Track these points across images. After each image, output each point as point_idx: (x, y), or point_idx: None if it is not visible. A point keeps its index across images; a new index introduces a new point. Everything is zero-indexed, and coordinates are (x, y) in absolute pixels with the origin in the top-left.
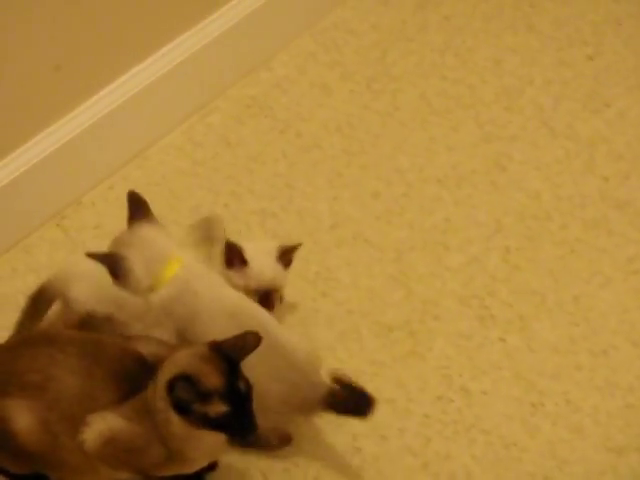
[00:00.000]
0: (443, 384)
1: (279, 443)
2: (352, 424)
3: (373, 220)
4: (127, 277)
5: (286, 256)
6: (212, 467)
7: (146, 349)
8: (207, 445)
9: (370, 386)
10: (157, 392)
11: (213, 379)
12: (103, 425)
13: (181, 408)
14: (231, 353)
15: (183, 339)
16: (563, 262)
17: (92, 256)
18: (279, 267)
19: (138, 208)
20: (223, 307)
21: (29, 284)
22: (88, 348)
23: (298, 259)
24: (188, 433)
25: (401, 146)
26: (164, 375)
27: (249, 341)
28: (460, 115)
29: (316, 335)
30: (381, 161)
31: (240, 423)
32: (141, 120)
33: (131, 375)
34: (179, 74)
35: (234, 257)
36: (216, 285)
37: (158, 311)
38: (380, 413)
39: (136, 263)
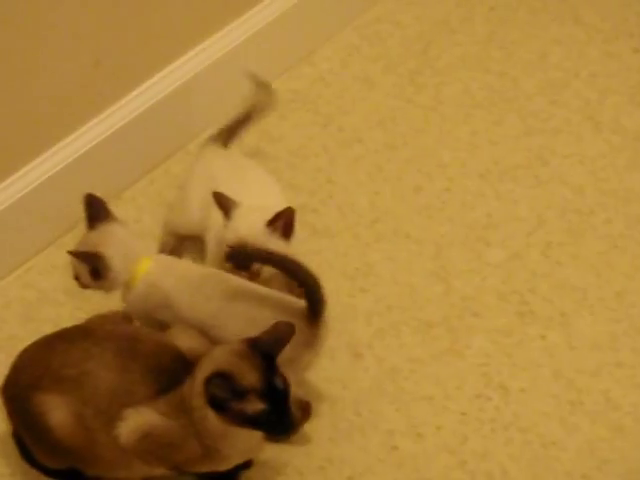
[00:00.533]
0: (481, 382)
1: (302, 415)
2: (388, 421)
3: (414, 215)
4: (106, 275)
5: (275, 222)
6: (247, 465)
7: (184, 344)
8: (243, 443)
9: (408, 383)
10: (194, 389)
11: (250, 376)
12: (139, 420)
13: (218, 405)
14: (267, 348)
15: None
16: (606, 258)
17: (74, 254)
18: (263, 229)
19: (98, 209)
20: (189, 283)
21: (68, 280)
22: (124, 343)
23: (337, 254)
24: (224, 430)
25: (443, 140)
26: (201, 372)
27: (283, 332)
28: (503, 108)
29: (354, 331)
30: (423, 155)
31: (278, 421)
32: (182, 115)
33: (168, 371)
34: (222, 67)
35: (224, 210)
36: (184, 268)
37: (137, 306)
38: (417, 410)
39: (114, 261)
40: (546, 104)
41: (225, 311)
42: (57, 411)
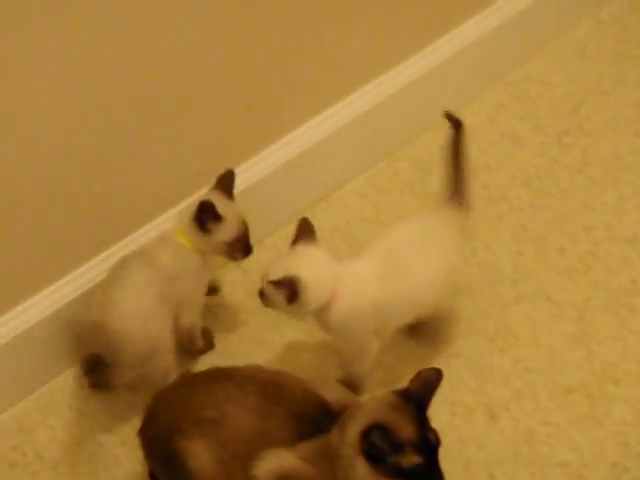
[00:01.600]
0: (619, 451)
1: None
2: None
3: (556, 277)
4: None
5: (280, 283)
6: None
7: (329, 395)
8: None
9: (544, 447)
10: (346, 439)
11: (406, 429)
12: (278, 462)
13: (374, 457)
14: (419, 397)
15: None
16: None
17: (275, 284)
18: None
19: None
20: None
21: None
22: (269, 388)
23: (477, 313)
24: None
25: (590, 202)
26: (356, 423)
27: (431, 379)
28: None
29: (491, 392)
30: (568, 217)
31: (431, 475)
32: (328, 164)
33: (311, 419)
34: (368, 120)
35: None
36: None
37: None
38: (553, 476)
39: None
40: None
41: None
42: (197, 454)
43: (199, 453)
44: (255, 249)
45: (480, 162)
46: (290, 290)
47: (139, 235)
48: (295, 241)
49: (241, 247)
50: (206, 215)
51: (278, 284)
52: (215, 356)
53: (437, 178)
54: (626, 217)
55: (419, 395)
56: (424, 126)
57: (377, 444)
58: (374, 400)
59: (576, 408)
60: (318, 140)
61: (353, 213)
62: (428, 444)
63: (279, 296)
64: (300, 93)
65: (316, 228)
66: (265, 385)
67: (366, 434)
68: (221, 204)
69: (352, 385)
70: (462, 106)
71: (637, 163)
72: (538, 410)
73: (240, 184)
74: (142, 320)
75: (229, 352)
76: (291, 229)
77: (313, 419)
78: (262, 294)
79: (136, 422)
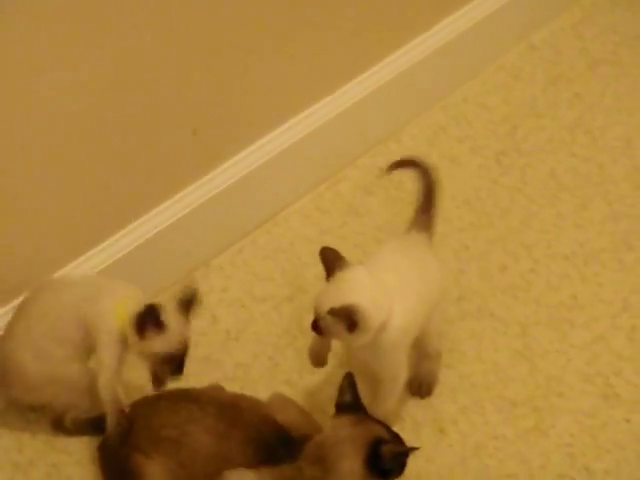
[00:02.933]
0: (565, 462)
1: None
2: None
3: (499, 294)
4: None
5: (338, 313)
6: None
7: (287, 419)
8: None
9: (492, 460)
10: (343, 471)
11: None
12: None
13: (384, 473)
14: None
15: None
16: None
17: (334, 315)
18: (327, 315)
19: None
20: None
21: None
22: (227, 410)
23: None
24: None
25: (529, 221)
26: (350, 455)
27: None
28: (589, 193)
29: (439, 407)
30: (508, 235)
31: None
32: (271, 186)
33: (268, 445)
34: (310, 142)
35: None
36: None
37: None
38: None
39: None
40: (632, 189)
41: None
42: (154, 473)
43: (156, 472)
44: (202, 271)
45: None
46: (350, 319)
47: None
48: (330, 271)
49: (172, 367)
50: (148, 319)
51: (337, 315)
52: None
53: (378, 199)
54: (564, 235)
55: (358, 404)
56: (364, 148)
57: (388, 457)
58: (338, 425)
59: (522, 421)
60: (262, 162)
61: (297, 234)
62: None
63: (338, 326)
64: (244, 117)
65: (259, 249)
66: (224, 407)
67: (373, 455)
68: (170, 314)
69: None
70: (400, 129)
71: (573, 182)
72: (486, 424)
73: (186, 206)
74: (31, 353)
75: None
76: (236, 249)
77: (270, 445)
78: (317, 327)
79: (87, 440)
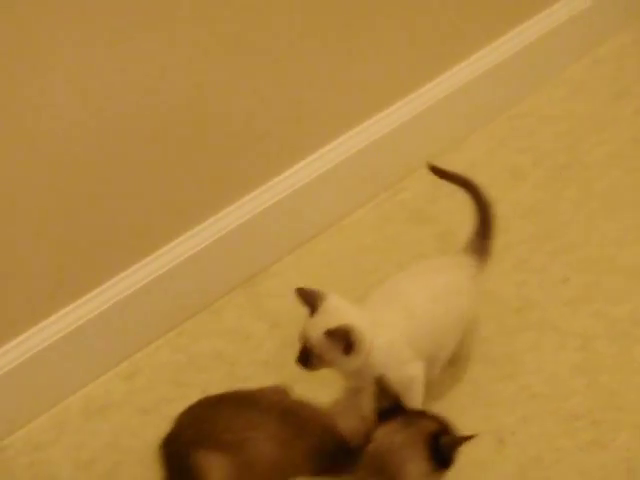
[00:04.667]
0: (625, 476)
1: None
2: None
3: (560, 306)
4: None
5: (334, 334)
6: None
7: (345, 425)
8: None
9: (551, 472)
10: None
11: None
12: None
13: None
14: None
15: None
16: None
17: (328, 334)
18: (322, 337)
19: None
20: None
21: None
22: (290, 418)
23: (482, 340)
24: None
25: (590, 235)
26: (409, 458)
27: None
28: None
29: (498, 417)
30: (570, 248)
31: None
32: (334, 194)
33: (329, 454)
34: (372, 151)
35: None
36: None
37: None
38: None
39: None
40: None
41: None
42: (215, 470)
43: (218, 471)
44: (262, 276)
45: None
46: (347, 339)
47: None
48: (313, 306)
49: None
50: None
51: (334, 335)
52: None
53: (441, 207)
54: (627, 248)
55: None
56: (427, 157)
57: (448, 448)
58: (389, 432)
59: (582, 434)
60: (326, 170)
61: (358, 241)
62: None
63: (334, 350)
64: (307, 124)
65: (320, 256)
66: (287, 415)
67: (434, 450)
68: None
69: None
70: (463, 139)
71: (635, 196)
72: (544, 436)
73: (247, 212)
74: None
75: None
76: (297, 256)
77: (331, 455)
78: (305, 357)
79: (148, 439)
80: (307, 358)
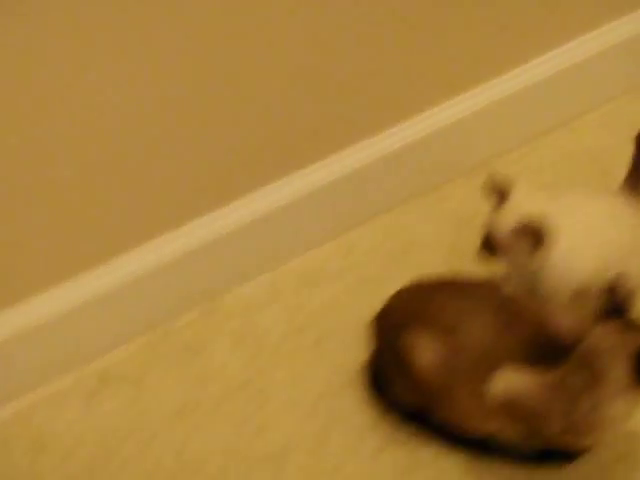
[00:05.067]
0: None
1: None
2: None
3: None
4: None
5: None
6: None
7: (562, 322)
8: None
9: None
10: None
11: None
12: (513, 384)
13: None
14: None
15: None
16: None
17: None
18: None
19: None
20: None
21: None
22: (505, 309)
23: None
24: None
25: None
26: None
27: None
28: None
29: None
30: None
31: None
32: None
33: (542, 348)
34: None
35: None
36: None
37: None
38: None
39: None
40: None
41: None
42: (425, 352)
43: (428, 352)
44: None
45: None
46: (536, 236)
47: None
48: (502, 197)
49: None
50: None
51: (525, 230)
52: None
53: None
54: None
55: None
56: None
57: None
58: (606, 332)
59: None
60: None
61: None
62: None
63: (522, 245)
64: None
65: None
66: (502, 305)
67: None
68: None
69: None
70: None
71: None
72: None
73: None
74: None
75: None
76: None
77: (543, 349)
78: (490, 245)
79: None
80: (492, 247)
